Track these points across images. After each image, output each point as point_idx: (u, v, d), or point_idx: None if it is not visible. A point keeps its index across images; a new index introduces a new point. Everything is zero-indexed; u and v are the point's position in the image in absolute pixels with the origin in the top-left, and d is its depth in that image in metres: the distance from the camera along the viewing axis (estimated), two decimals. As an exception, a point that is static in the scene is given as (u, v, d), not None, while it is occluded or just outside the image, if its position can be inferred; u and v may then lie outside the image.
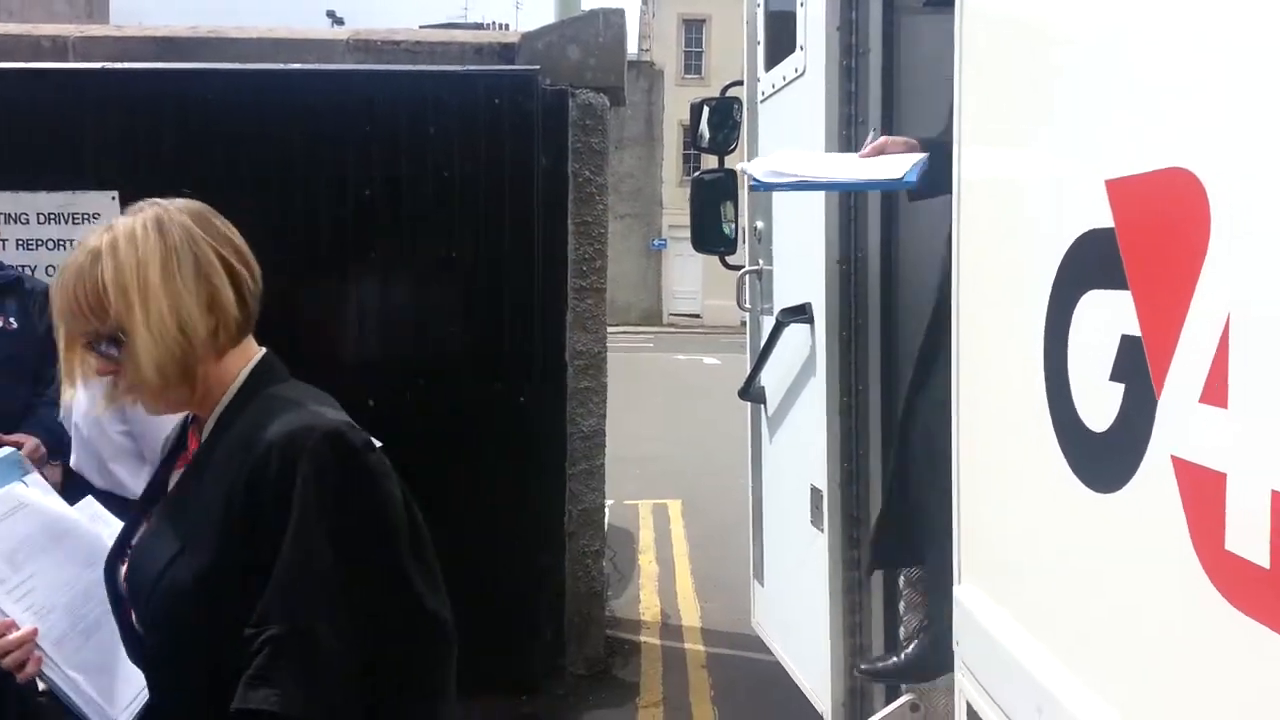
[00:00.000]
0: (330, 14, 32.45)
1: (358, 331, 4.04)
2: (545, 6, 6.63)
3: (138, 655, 1.36)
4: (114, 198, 3.97)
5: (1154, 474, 1.07)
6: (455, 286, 4.02)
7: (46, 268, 3.95)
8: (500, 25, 28.66)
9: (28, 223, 3.97)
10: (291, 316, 3.80)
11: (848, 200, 2.72)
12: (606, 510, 4.64)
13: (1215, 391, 0.96)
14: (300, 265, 3.95)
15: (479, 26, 25.95)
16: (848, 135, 2.72)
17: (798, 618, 3.23)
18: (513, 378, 4.03)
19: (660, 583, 5.81)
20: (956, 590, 1.70)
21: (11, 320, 3.41)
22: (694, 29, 32.46)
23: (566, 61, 4.12)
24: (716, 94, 3.93)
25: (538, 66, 4.05)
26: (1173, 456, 1.04)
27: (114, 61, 4.08)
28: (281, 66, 4.06)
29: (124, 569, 1.37)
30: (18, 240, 3.96)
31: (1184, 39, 1.04)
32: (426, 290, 4.04)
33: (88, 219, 3.98)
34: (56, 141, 3.99)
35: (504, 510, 4.05)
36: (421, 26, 9.01)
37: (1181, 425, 1.03)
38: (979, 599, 1.61)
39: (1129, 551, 1.14)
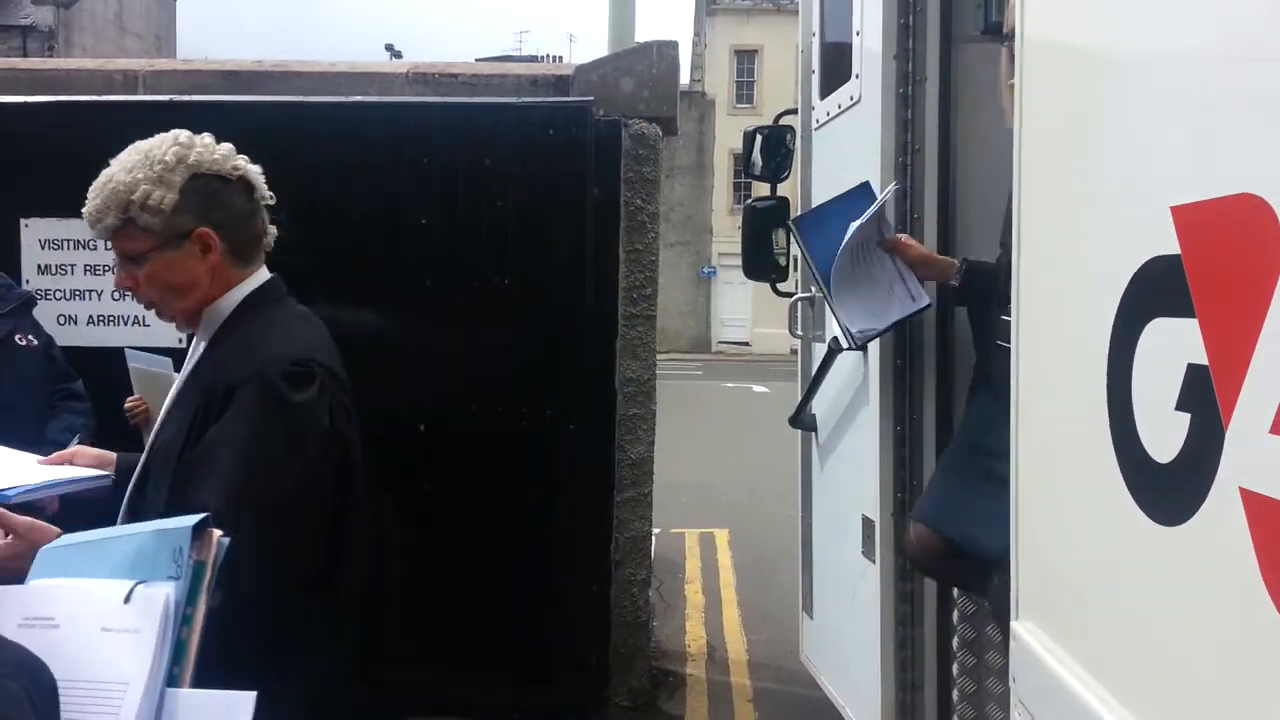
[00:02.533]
0: (389, 47, 33.33)
1: (411, 358, 4.08)
2: (599, 39, 6.73)
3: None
4: (179, 224, 4.08)
5: (1221, 506, 1.04)
6: (508, 313, 4.06)
7: (113, 293, 4.07)
8: (554, 58, 29.09)
9: (96, 248, 4.10)
10: (346, 343, 3.86)
11: (903, 227, 2.71)
12: (653, 539, 4.62)
13: (1287, 422, 0.94)
14: (357, 293, 4.02)
15: (533, 59, 26.36)
16: (904, 162, 2.71)
17: (848, 651, 3.18)
18: (563, 404, 4.05)
19: (706, 613, 5.76)
20: (1014, 625, 1.66)
21: (31, 339, 3.45)
22: (745, 59, 32.65)
23: (620, 93, 4.16)
24: (768, 122, 3.95)
25: (592, 98, 4.09)
26: (1241, 489, 1.01)
27: (182, 94, 4.21)
28: (343, 99, 4.15)
29: None
30: (85, 265, 4.09)
31: (1252, 60, 1.02)
32: (479, 317, 4.08)
33: (153, 245, 4.09)
34: (126, 170, 4.11)
35: (551, 537, 4.05)
36: (478, 60, 9.19)
37: (1251, 456, 1.00)
38: (1038, 635, 1.57)
39: (1195, 587, 1.11)
